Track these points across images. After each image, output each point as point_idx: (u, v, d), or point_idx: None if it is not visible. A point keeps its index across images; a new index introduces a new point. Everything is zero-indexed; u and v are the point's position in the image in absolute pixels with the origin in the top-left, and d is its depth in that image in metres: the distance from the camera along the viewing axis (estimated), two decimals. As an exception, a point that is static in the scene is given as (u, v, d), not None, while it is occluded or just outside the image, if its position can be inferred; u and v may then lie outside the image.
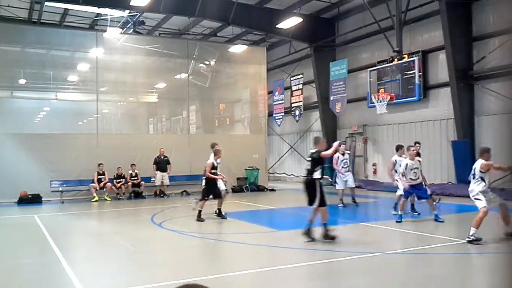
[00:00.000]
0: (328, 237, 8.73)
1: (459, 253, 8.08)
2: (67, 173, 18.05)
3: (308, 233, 8.80)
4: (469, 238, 8.31)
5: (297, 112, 25.32)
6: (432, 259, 7.76)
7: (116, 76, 21.04)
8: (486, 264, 7.41)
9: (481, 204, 8.41)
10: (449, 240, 8.91)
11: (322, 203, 8.82)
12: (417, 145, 12.74)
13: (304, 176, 9.34)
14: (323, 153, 8.99)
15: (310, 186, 8.95)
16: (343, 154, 14.20)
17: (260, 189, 21.16)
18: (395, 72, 18.73)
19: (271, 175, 26.88)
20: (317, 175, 8.89)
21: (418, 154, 12.19)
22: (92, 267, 7.67)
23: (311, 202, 8.90)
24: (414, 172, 10.86)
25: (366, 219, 12.71)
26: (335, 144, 9.48)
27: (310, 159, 9.10)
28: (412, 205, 12.40)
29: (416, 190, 11.06)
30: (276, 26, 20.70)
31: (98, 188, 17.95)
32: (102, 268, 7.56)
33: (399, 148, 12.72)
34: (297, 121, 25.70)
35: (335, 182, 14.37)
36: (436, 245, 8.45)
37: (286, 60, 26.33)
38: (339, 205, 14.01)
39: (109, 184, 18.11)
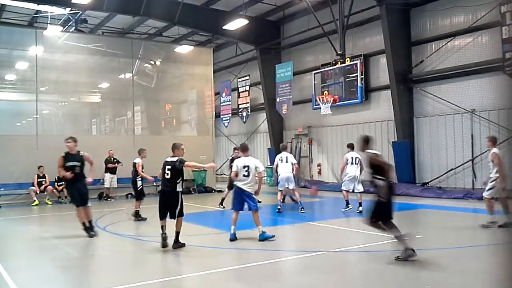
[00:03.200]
0: (179, 245, 8.40)
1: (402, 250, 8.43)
2: (5, 176, 17.24)
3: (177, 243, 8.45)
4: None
5: (244, 114, 25.46)
6: (375, 256, 8.05)
7: (57, 75, 20.31)
8: (425, 260, 7.76)
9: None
10: (391, 237, 9.25)
11: (182, 213, 8.44)
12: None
13: (165, 188, 8.51)
14: (188, 163, 8.40)
15: (174, 198, 8.34)
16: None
17: (207, 190, 21.10)
18: (339, 75, 19.26)
19: (219, 176, 26.86)
20: (179, 187, 8.38)
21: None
22: (33, 275, 7.39)
23: (172, 214, 8.35)
24: (246, 170, 9.22)
25: (312, 218, 12.98)
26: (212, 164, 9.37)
27: (170, 167, 8.35)
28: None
29: (246, 197, 9.20)
30: (223, 27, 20.75)
31: (38, 192, 17.29)
32: (44, 276, 7.31)
33: (141, 152, 12.72)
34: (244, 122, 25.85)
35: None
36: (379, 243, 8.75)
37: (233, 61, 26.42)
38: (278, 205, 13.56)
39: (50, 187, 17.49)
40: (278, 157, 13.50)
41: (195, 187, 20.96)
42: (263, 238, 8.93)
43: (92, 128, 25.89)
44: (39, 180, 17.42)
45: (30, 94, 19.46)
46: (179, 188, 8.35)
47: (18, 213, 15.34)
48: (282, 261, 7.77)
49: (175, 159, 8.40)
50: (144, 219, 12.28)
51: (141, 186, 12.61)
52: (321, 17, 18.49)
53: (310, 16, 19.46)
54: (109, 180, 18.33)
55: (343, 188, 13.07)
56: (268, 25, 23.54)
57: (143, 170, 12.48)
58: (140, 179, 12.54)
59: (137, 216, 12.39)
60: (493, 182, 9.69)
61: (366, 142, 7.78)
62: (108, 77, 22.86)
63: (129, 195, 19.04)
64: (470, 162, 16.04)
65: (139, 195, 12.56)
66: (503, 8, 14.24)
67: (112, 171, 18.37)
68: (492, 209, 9.74)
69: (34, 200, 17.02)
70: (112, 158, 18.53)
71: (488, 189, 9.77)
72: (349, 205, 12.93)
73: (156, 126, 24.52)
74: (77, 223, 10.18)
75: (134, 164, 12.63)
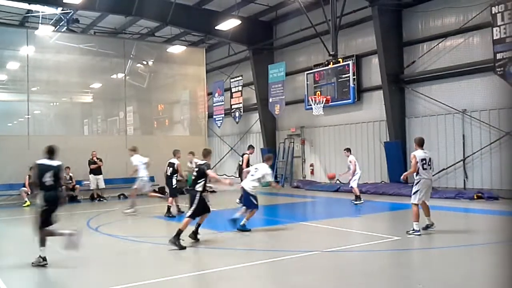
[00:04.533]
0: (174, 243, 8.53)
1: (394, 250, 8.48)
2: (-5, 177, 17.14)
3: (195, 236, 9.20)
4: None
5: (237, 114, 25.45)
6: (369, 256, 8.08)
7: (48, 75, 20.16)
8: (418, 259, 7.81)
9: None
10: (383, 237, 9.30)
11: (193, 215, 9.00)
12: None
13: (189, 186, 9.54)
14: (210, 172, 9.14)
15: (191, 196, 9.19)
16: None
17: (201, 190, 20.98)
18: (331, 75, 19.30)
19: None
20: (199, 187, 9.09)
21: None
22: (24, 276, 7.34)
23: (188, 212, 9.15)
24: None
25: (305, 218, 12.99)
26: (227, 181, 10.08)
27: (197, 169, 9.29)
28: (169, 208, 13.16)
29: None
30: (215, 27, 20.73)
31: (29, 192, 17.15)
32: (35, 277, 7.27)
33: (176, 152, 13.84)
34: (237, 122, 25.84)
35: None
36: (374, 242, 8.79)
37: (226, 62, 26.41)
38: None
39: (41, 188, 17.33)
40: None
41: (188, 187, 20.86)
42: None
43: (84, 129, 25.76)
44: (30, 181, 17.27)
45: (21, 94, 19.32)
46: (198, 188, 9.09)
47: (9, 214, 15.22)
48: (278, 261, 7.77)
49: (203, 162, 9.30)
50: (174, 216, 12.88)
51: (175, 185, 13.40)
52: (313, 18, 18.52)
53: (302, 17, 19.48)
54: (94, 181, 18.22)
55: (355, 185, 14.78)
56: (261, 25, 23.55)
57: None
58: (176, 177, 13.45)
59: (168, 212, 13.18)
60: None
61: (49, 152, 8.02)
62: (100, 77, 22.74)
63: (121, 196, 18.99)
64: (462, 162, 16.14)
65: (174, 193, 13.42)
66: (494, 9, 14.34)
67: (96, 172, 18.24)
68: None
69: (26, 201, 16.90)
70: (94, 159, 18.37)
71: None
72: (361, 199, 14.74)
73: (148, 127, 24.43)
74: (69, 224, 10.11)
75: (173, 164, 13.49)
